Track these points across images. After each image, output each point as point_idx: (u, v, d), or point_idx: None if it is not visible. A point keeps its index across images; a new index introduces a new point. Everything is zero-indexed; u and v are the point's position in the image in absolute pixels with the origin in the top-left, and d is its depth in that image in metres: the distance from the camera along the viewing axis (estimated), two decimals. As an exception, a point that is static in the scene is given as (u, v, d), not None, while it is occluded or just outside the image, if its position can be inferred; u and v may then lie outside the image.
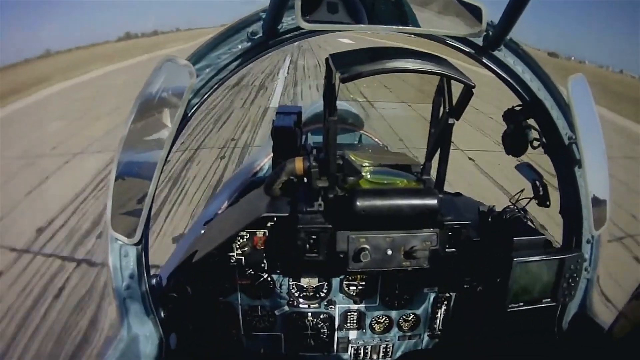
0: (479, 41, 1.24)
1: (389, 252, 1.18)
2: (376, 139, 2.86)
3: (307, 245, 1.21)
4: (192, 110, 1.16)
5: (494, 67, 1.27)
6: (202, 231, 1.72)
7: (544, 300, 1.25)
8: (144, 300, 1.21)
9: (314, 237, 1.21)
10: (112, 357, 1.17)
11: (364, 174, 1.26)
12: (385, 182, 1.25)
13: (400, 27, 1.13)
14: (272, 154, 1.56)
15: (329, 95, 1.16)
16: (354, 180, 1.23)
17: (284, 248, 1.30)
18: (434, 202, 1.17)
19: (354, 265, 1.19)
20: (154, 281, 1.24)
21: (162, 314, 1.26)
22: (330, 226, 1.20)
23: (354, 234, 1.18)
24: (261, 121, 9.74)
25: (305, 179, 1.30)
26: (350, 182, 1.23)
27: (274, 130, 1.46)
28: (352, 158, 1.32)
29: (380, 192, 1.19)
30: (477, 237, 1.28)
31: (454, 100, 1.25)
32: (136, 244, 1.16)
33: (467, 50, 1.25)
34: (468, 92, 1.17)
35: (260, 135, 8.73)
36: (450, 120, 1.22)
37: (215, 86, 1.16)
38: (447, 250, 1.24)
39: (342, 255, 1.19)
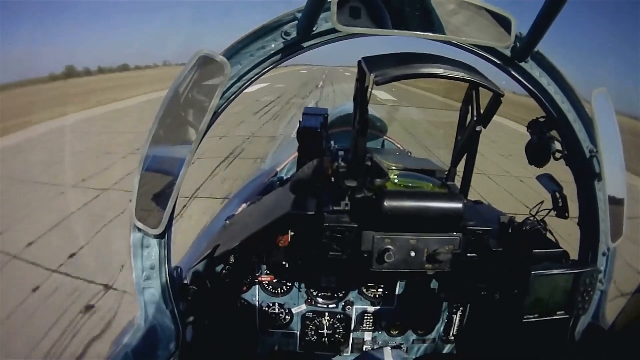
0: (507, 52, 1.25)
1: (412, 254, 1.19)
2: (399, 145, 2.88)
3: (332, 244, 1.22)
4: (222, 106, 1.17)
5: (520, 78, 1.29)
6: (224, 226, 1.72)
7: (558, 313, 1.27)
8: (163, 292, 1.21)
9: (339, 235, 1.21)
10: (128, 345, 1.17)
11: (390, 176, 1.27)
12: (411, 185, 1.26)
13: (431, 34, 1.15)
14: (294, 155, 1.57)
15: (361, 97, 1.17)
16: (381, 182, 1.24)
17: (308, 246, 1.30)
18: (459, 206, 1.18)
19: (377, 265, 1.19)
20: (174, 273, 1.25)
21: (181, 306, 1.26)
22: (355, 226, 1.21)
23: (379, 234, 1.19)
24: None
25: (333, 179, 1.31)
26: (377, 184, 1.24)
27: (300, 130, 1.48)
28: (379, 161, 1.33)
29: (406, 194, 1.20)
30: (498, 247, 1.29)
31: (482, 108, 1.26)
32: (159, 236, 1.17)
33: (494, 60, 1.27)
34: (496, 100, 1.18)
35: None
36: (478, 128, 1.23)
37: (247, 84, 1.17)
38: (468, 255, 1.25)
39: (366, 255, 1.20)
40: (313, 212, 1.29)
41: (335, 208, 1.26)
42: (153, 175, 1.14)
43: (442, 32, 1.17)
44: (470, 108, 1.27)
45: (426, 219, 1.18)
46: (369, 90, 1.08)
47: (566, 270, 1.23)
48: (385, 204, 1.15)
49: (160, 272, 1.19)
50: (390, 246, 1.18)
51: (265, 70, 1.18)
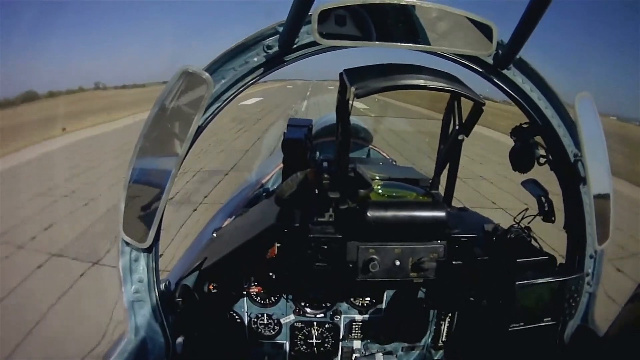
0: (489, 60, 1.27)
1: (397, 262, 1.20)
2: (384, 154, 2.91)
3: (318, 255, 1.23)
4: (206, 120, 1.18)
5: (503, 86, 1.30)
6: (212, 238, 1.73)
7: (545, 320, 1.28)
8: (152, 305, 1.22)
9: (325, 246, 1.23)
10: (119, 357, 1.18)
11: (374, 187, 1.29)
12: (394, 195, 1.28)
13: (414, 45, 1.16)
14: (280, 166, 1.58)
15: (342, 109, 1.18)
16: (365, 192, 1.26)
17: (294, 257, 1.32)
18: (443, 214, 1.20)
19: (362, 275, 1.21)
20: (162, 286, 1.26)
21: (170, 319, 1.27)
22: (340, 236, 1.23)
23: (364, 244, 1.20)
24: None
25: (317, 191, 1.32)
26: (361, 195, 1.25)
27: (285, 142, 1.49)
28: (363, 171, 1.35)
29: (390, 204, 1.22)
30: (483, 255, 1.31)
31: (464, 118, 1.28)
32: (147, 249, 1.18)
33: (477, 68, 1.28)
34: (478, 109, 1.20)
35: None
36: (460, 137, 1.24)
37: (229, 98, 1.19)
38: (453, 263, 1.26)
39: (351, 265, 1.21)
40: (298, 224, 1.31)
41: (320, 219, 1.27)
42: (140, 189, 1.15)
43: (424, 43, 1.18)
44: (452, 117, 1.28)
45: (410, 228, 1.19)
46: (350, 102, 1.10)
47: (550, 279, 1.24)
48: (368, 214, 1.17)
49: (149, 285, 1.21)
50: (374, 256, 1.19)
51: (248, 85, 1.19)
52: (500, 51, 1.25)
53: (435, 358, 1.73)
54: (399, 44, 1.14)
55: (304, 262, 1.25)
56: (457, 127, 1.26)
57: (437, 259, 1.21)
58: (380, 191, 1.29)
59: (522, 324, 1.25)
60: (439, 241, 1.23)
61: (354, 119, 3.26)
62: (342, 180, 1.25)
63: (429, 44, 1.17)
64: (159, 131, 1.14)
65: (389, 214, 1.18)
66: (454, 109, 1.27)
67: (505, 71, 1.28)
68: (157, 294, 1.22)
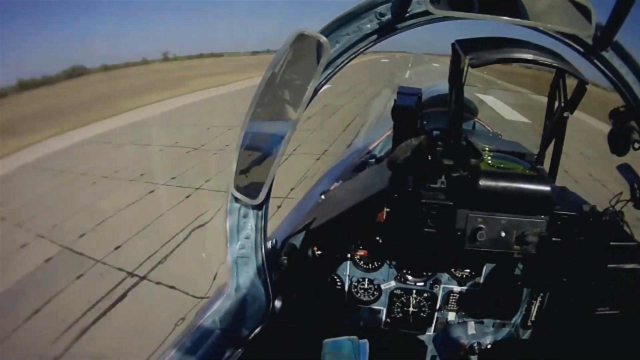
0: (589, 40, 1.29)
1: (503, 234, 1.22)
2: (489, 128, 2.90)
3: (428, 220, 1.26)
4: (319, 84, 1.21)
5: (601, 67, 1.31)
6: (319, 200, 1.77)
7: (630, 307, 1.29)
8: (257, 263, 1.27)
9: (434, 212, 1.26)
10: (218, 311, 1.23)
11: (484, 157, 1.32)
12: (503, 166, 1.31)
13: (519, 20, 1.19)
14: (387, 133, 1.60)
15: (456, 79, 1.21)
16: (476, 162, 1.28)
17: (404, 222, 1.35)
18: (548, 189, 1.22)
19: (469, 244, 1.24)
20: (269, 244, 1.30)
21: (273, 277, 1.31)
22: (451, 203, 1.26)
23: (473, 213, 1.23)
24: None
25: (430, 157, 1.35)
26: (472, 164, 1.27)
27: (395, 109, 1.51)
28: (474, 141, 1.38)
29: (500, 175, 1.24)
30: (580, 235, 1.32)
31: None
32: (257, 207, 1.22)
33: (578, 48, 1.30)
34: (582, 87, 1.22)
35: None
36: (565, 114, 1.27)
37: (342, 64, 1.22)
38: (553, 239, 1.28)
39: (459, 233, 1.24)
40: (410, 189, 1.34)
41: (432, 185, 1.30)
42: (252, 151, 1.19)
43: (528, 18, 1.21)
44: (557, 94, 1.31)
45: (517, 200, 1.22)
46: (465, 72, 1.13)
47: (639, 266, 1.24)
48: (480, 183, 1.20)
49: (255, 242, 1.25)
50: (482, 225, 1.22)
51: (360, 50, 1.22)
52: (598, 33, 1.27)
53: (524, 336, 1.75)
54: (506, 17, 1.18)
55: (414, 227, 1.28)
56: (562, 104, 1.29)
57: (539, 234, 1.23)
58: (490, 162, 1.31)
59: (607, 309, 1.27)
60: (542, 216, 1.24)
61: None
62: (454, 149, 1.28)
63: (534, 20, 1.20)
64: (272, 95, 1.17)
65: (500, 184, 1.21)
66: (560, 86, 1.30)
67: (603, 53, 1.30)
68: (263, 252, 1.26)
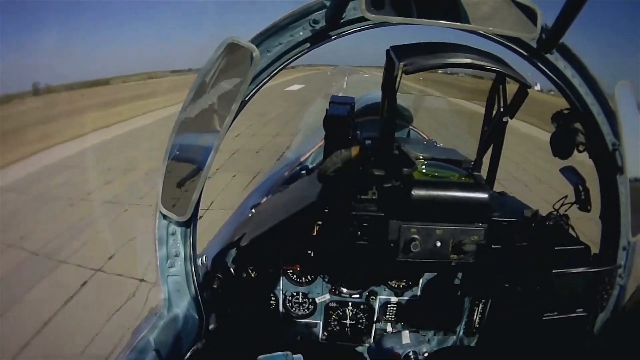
0: (533, 43, 1.25)
1: (438, 244, 1.19)
2: (424, 135, 2.87)
3: (359, 232, 1.22)
4: (250, 94, 1.17)
5: (545, 70, 1.29)
6: (250, 214, 1.72)
7: (577, 310, 1.27)
8: (188, 279, 1.21)
9: (366, 224, 1.22)
10: (150, 333, 1.17)
11: (418, 166, 1.28)
12: (437, 175, 1.27)
13: (459, 24, 1.15)
14: (319, 144, 1.56)
15: (389, 86, 1.17)
16: (409, 171, 1.25)
17: (335, 235, 1.31)
18: (485, 196, 1.19)
19: (403, 255, 1.20)
20: (199, 261, 1.25)
21: (205, 295, 1.26)
22: (383, 215, 1.22)
23: (406, 223, 1.19)
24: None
25: (361, 168, 1.31)
26: (405, 173, 1.24)
27: (327, 118, 1.47)
28: (407, 150, 1.33)
29: (434, 184, 1.21)
30: (521, 240, 1.30)
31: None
32: (185, 223, 1.17)
33: (521, 51, 1.27)
34: (523, 91, 1.18)
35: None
36: (505, 119, 1.23)
37: (274, 72, 1.17)
38: (492, 247, 1.25)
39: (392, 244, 1.21)
40: (341, 201, 1.30)
41: (363, 197, 1.26)
42: (180, 164, 1.14)
43: (469, 22, 1.16)
44: (497, 99, 1.27)
45: (453, 209, 1.19)
46: (398, 79, 1.08)
47: (586, 269, 1.23)
48: (413, 193, 1.16)
49: (185, 259, 1.20)
50: (416, 235, 1.19)
51: (292, 59, 1.18)
52: (544, 35, 1.23)
53: (467, 343, 1.73)
54: (445, 22, 1.13)
55: (346, 240, 1.24)
56: (501, 109, 1.25)
57: (477, 242, 1.20)
58: (424, 170, 1.28)
59: (555, 313, 1.24)
60: (480, 224, 1.22)
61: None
62: (386, 158, 1.24)
63: (475, 24, 1.15)
64: (201, 105, 1.12)
65: (433, 193, 1.17)
66: (499, 91, 1.26)
67: (548, 55, 1.27)
68: (192, 269, 1.21)
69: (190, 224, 1.18)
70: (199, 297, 1.24)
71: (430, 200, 1.17)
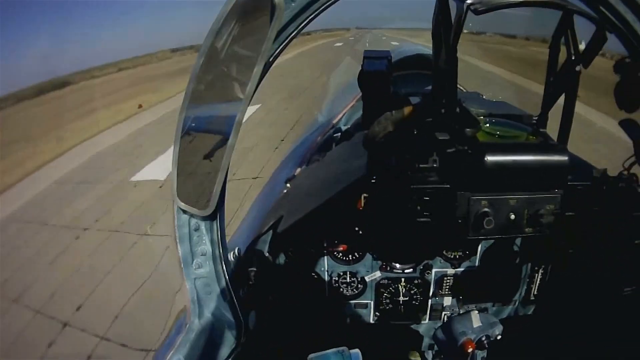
0: None
1: (512, 216, 1.03)
2: (462, 88, 2.63)
3: (419, 208, 1.06)
4: (275, 53, 0.96)
5: (605, 12, 1.10)
6: (285, 190, 1.54)
7: None
8: (219, 281, 1.05)
9: (428, 198, 1.06)
10: (180, 351, 1.01)
11: (482, 125, 1.10)
12: (503, 134, 1.09)
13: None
14: (351, 104, 1.36)
15: (447, 31, 0.97)
16: (472, 132, 1.06)
17: (390, 211, 1.15)
18: (566, 159, 1.02)
19: (474, 232, 1.04)
20: (231, 256, 1.08)
21: (241, 293, 1.10)
22: (448, 186, 1.05)
23: (476, 195, 1.03)
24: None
25: (415, 131, 1.13)
26: (468, 134, 1.06)
27: (363, 74, 1.27)
28: (469, 107, 1.14)
29: (509, 147, 1.03)
30: (594, 205, 1.15)
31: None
32: (209, 217, 0.99)
33: None
34: (601, 36, 0.99)
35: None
36: (578, 67, 1.05)
37: (306, 20, 0.97)
38: (567, 214, 1.10)
39: (460, 221, 1.04)
40: (396, 172, 1.12)
41: (422, 166, 1.09)
42: (196, 144, 0.94)
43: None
44: (567, 44, 1.08)
45: (530, 175, 1.02)
46: (462, 20, 0.89)
47: None
48: (487, 158, 0.98)
49: (214, 258, 1.02)
50: (488, 209, 1.02)
51: (324, 7, 0.97)
52: None
53: (527, 312, 1.60)
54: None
55: (404, 217, 1.07)
56: (572, 56, 1.06)
57: (554, 211, 1.05)
58: (487, 130, 1.10)
59: (634, 287, 1.12)
60: (557, 190, 1.05)
61: (421, 49, 2.87)
62: (449, 118, 1.06)
63: None
64: (215, 71, 0.92)
65: (510, 158, 1.00)
66: (567, 34, 1.07)
67: None
68: (223, 267, 1.04)
69: (216, 216, 1.00)
70: (234, 298, 1.08)
71: (507, 166, 1.00)
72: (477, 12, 0.83)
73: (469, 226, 1.04)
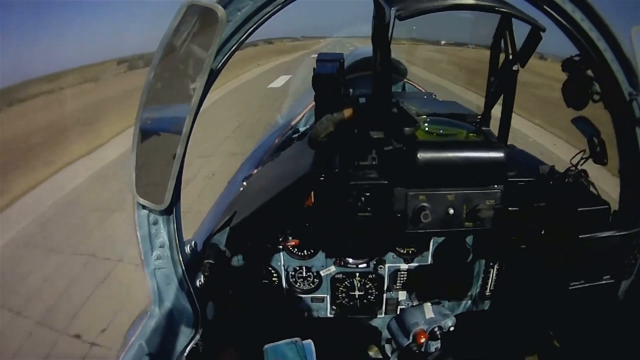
0: None
1: (451, 211, 1.08)
2: (420, 88, 2.69)
3: (360, 204, 1.11)
4: (221, 62, 1.04)
5: (551, 12, 1.14)
6: (241, 188, 1.61)
7: (604, 278, 1.17)
8: (177, 271, 1.13)
9: (368, 194, 1.10)
10: (140, 337, 1.09)
11: (420, 124, 1.15)
12: (443, 133, 1.14)
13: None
14: (311, 105, 1.43)
15: (381, 36, 1.02)
16: (411, 130, 1.10)
17: (334, 207, 1.20)
18: (501, 155, 1.06)
19: (412, 226, 1.09)
20: (188, 248, 1.16)
21: (197, 284, 1.18)
22: (386, 182, 1.10)
23: (413, 191, 1.07)
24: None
25: (356, 130, 1.18)
26: (406, 133, 1.10)
27: (315, 78, 1.32)
28: (407, 107, 1.20)
29: (443, 144, 1.08)
30: (539, 201, 1.18)
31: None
32: (166, 211, 1.07)
33: None
34: (536, 35, 1.03)
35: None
36: (515, 67, 1.09)
37: (247, 33, 1.03)
38: (509, 209, 1.14)
39: (399, 215, 1.09)
40: (337, 170, 1.17)
41: (361, 163, 1.14)
42: (152, 145, 1.03)
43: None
44: (504, 45, 1.12)
45: (465, 172, 1.06)
46: (391, 26, 0.94)
47: (615, 233, 1.11)
48: (419, 155, 1.02)
49: (171, 250, 1.11)
50: (425, 204, 1.07)
51: (267, 16, 1.03)
52: None
53: (483, 307, 1.65)
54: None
55: (346, 213, 1.13)
56: (510, 57, 1.10)
57: (494, 206, 1.09)
58: (427, 129, 1.14)
59: (582, 282, 1.14)
60: (496, 186, 1.09)
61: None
62: (384, 118, 1.11)
63: None
64: (167, 78, 1.00)
65: (443, 155, 1.04)
66: (506, 36, 1.11)
67: None
68: (181, 258, 1.13)
69: (172, 210, 1.08)
70: (191, 288, 1.16)
71: (439, 162, 1.04)
72: (400, 18, 0.87)
73: (407, 220, 1.09)
